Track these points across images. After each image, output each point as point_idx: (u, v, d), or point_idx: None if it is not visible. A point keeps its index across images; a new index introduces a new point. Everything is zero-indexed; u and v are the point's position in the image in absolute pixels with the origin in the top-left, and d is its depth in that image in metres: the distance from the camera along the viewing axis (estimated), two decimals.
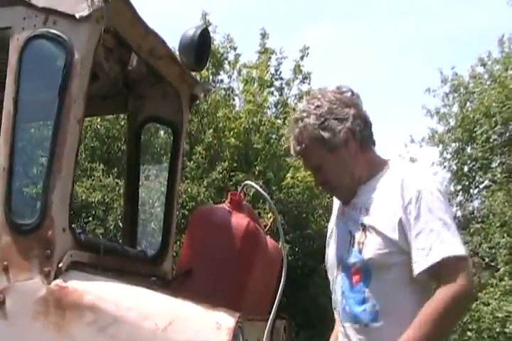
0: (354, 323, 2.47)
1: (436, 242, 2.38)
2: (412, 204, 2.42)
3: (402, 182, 2.47)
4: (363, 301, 2.44)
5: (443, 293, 2.35)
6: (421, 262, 2.38)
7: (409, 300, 2.44)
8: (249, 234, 2.70)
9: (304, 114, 2.59)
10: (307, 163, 2.69)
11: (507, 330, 12.73)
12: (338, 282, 2.56)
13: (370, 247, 2.47)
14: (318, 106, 2.57)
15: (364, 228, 2.50)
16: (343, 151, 2.55)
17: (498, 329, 13.19)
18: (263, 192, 2.59)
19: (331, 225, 2.73)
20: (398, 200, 2.44)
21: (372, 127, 2.67)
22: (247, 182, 2.68)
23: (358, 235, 2.52)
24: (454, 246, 2.38)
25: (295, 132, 2.60)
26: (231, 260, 2.70)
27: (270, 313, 2.53)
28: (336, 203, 2.72)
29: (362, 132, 2.58)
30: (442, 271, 2.37)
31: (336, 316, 2.59)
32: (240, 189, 2.99)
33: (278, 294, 2.50)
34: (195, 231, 2.91)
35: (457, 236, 2.41)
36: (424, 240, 2.39)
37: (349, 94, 2.62)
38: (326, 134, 2.53)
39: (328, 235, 2.74)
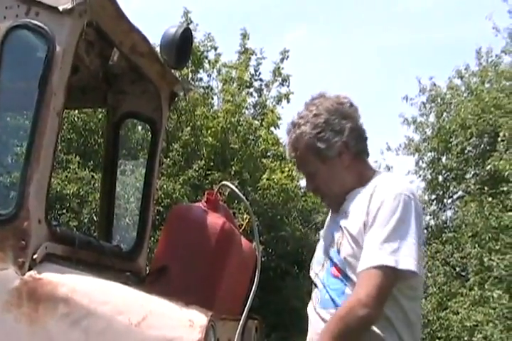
0: (333, 308, 2.47)
1: (374, 250, 2.38)
2: (373, 209, 2.44)
3: (375, 187, 2.51)
4: (343, 294, 2.46)
5: (346, 301, 2.39)
6: (359, 267, 2.41)
7: None
8: (224, 234, 2.71)
9: (301, 121, 2.61)
10: (300, 168, 2.73)
11: (474, 339, 12.89)
12: (320, 277, 2.60)
13: (344, 247, 2.52)
14: (316, 115, 2.58)
15: (341, 229, 2.54)
16: (336, 162, 2.58)
17: (466, 338, 13.36)
18: (240, 194, 2.60)
19: (321, 233, 2.79)
20: (366, 204, 2.48)
21: (367, 140, 2.68)
22: (224, 182, 2.68)
23: (338, 236, 2.56)
24: (385, 256, 2.35)
25: (291, 137, 2.63)
26: (205, 258, 2.71)
27: (242, 313, 2.54)
28: (329, 214, 2.76)
29: (357, 145, 2.61)
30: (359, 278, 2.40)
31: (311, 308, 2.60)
32: (216, 189, 3.00)
33: (251, 294, 2.51)
34: (171, 229, 2.91)
35: (403, 246, 2.36)
36: (368, 246, 2.41)
37: (348, 105, 2.64)
38: (321, 145, 2.56)
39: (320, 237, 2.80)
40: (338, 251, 2.53)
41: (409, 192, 2.48)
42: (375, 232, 2.42)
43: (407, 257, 2.36)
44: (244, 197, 2.63)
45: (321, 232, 2.80)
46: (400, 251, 2.37)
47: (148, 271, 3.34)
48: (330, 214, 2.74)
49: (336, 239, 2.56)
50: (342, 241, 2.52)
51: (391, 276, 2.37)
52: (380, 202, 2.45)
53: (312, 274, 2.70)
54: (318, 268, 2.65)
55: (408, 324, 2.49)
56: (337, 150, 2.56)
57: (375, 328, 2.43)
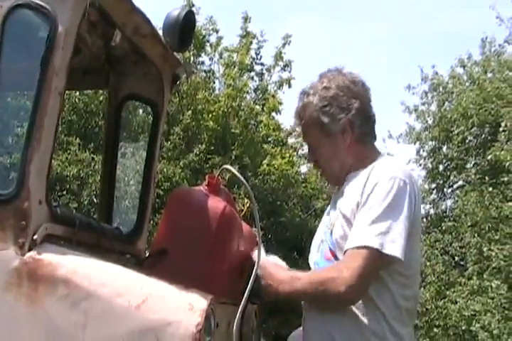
0: None
1: (361, 230, 2.38)
2: (367, 190, 2.44)
3: (372, 168, 2.51)
4: None
5: (326, 270, 2.43)
6: (346, 245, 2.42)
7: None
8: (226, 218, 2.70)
9: (311, 91, 2.60)
10: (304, 138, 2.75)
11: (472, 328, 13.01)
12: (314, 260, 2.61)
13: (337, 229, 2.52)
14: (325, 88, 2.57)
15: (337, 210, 2.54)
16: (338, 139, 2.57)
17: (463, 327, 13.49)
18: (241, 178, 2.58)
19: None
20: (361, 185, 2.47)
21: (375, 122, 2.66)
22: (225, 166, 2.67)
23: (333, 217, 2.56)
24: (371, 237, 2.35)
25: (298, 105, 2.64)
26: (206, 242, 2.70)
27: (242, 297, 2.54)
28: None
29: (362, 126, 2.60)
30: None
31: None
32: (217, 172, 2.99)
33: (251, 279, 2.50)
34: (171, 212, 2.90)
35: (391, 231, 2.35)
36: (356, 226, 2.41)
37: (360, 85, 2.62)
38: (325, 119, 2.55)
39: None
40: (331, 233, 2.53)
41: (404, 177, 2.45)
42: (365, 213, 2.40)
43: (393, 242, 2.35)
44: (245, 181, 2.62)
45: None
46: (387, 235, 2.35)
47: (147, 254, 3.34)
48: (332, 196, 2.73)
49: (332, 221, 2.56)
50: (335, 223, 2.52)
51: (376, 259, 2.35)
52: (374, 183, 2.43)
53: (310, 262, 2.70)
54: (314, 252, 2.66)
55: (396, 306, 2.47)
56: (340, 126, 2.55)
57: (356, 309, 2.43)
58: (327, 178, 2.73)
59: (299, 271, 2.55)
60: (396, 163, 2.63)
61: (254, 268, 2.52)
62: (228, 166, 2.64)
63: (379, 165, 2.52)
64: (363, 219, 2.40)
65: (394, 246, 2.34)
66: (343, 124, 2.55)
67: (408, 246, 2.39)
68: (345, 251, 2.42)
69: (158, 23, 3.43)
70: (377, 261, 2.37)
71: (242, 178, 2.58)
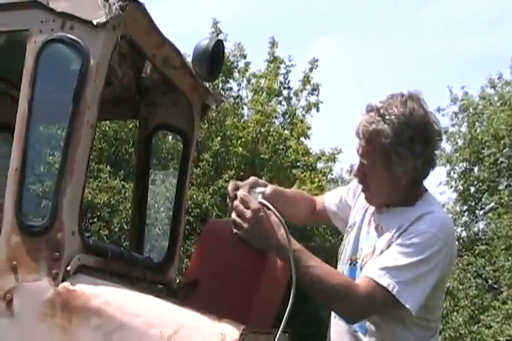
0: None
1: (386, 270, 2.38)
2: (406, 235, 2.43)
3: (418, 218, 2.47)
4: None
5: (356, 284, 2.40)
6: (368, 270, 2.44)
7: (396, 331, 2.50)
8: (258, 253, 2.69)
9: (386, 117, 2.45)
10: (360, 156, 2.57)
11: None
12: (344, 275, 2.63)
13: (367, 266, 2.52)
14: (405, 123, 2.44)
15: (374, 250, 2.54)
16: (396, 176, 2.51)
17: None
18: (277, 213, 2.55)
19: (353, 217, 2.75)
20: (403, 228, 2.47)
21: (435, 168, 2.61)
22: (260, 199, 2.62)
23: (366, 251, 2.56)
24: (392, 281, 2.36)
25: (366, 123, 2.48)
26: (239, 275, 2.68)
27: (274, 327, 2.53)
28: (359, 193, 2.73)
29: (423, 172, 2.55)
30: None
31: None
32: None
33: (287, 311, 2.48)
34: (205, 244, 2.89)
35: (414, 282, 2.37)
36: (385, 261, 2.41)
37: (435, 131, 2.52)
38: (394, 158, 2.47)
39: (350, 222, 2.77)
40: (361, 269, 2.54)
41: (447, 237, 2.46)
42: (397, 254, 2.41)
43: (410, 295, 2.37)
44: (281, 217, 2.57)
45: (355, 216, 2.77)
46: (407, 286, 2.37)
47: (179, 284, 3.35)
48: (366, 207, 2.69)
49: (364, 254, 2.57)
50: (368, 261, 2.53)
51: (388, 302, 2.39)
52: (415, 233, 2.42)
53: (338, 266, 2.72)
54: (344, 265, 2.68)
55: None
56: (404, 169, 2.49)
57: None
58: (368, 199, 2.65)
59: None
60: (443, 219, 2.57)
61: (291, 298, 2.49)
62: (263, 200, 2.59)
63: (426, 217, 2.46)
64: (393, 259, 2.40)
65: (411, 299, 2.37)
66: (407, 168, 2.49)
67: (434, 292, 2.44)
68: (366, 274, 2.43)
69: (187, 49, 3.47)
70: (388, 304, 2.40)
71: (278, 214, 2.55)
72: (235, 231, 2.55)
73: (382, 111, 2.46)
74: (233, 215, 2.54)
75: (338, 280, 2.42)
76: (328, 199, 2.99)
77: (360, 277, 2.46)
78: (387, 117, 2.44)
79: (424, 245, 2.39)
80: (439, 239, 2.41)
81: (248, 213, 2.47)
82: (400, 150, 2.44)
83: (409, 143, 2.44)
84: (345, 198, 2.91)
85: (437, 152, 2.61)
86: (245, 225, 2.48)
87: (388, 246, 2.46)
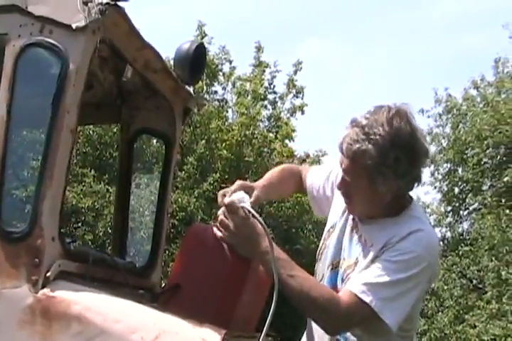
0: None
1: (369, 286, 2.38)
2: (391, 252, 2.42)
3: (406, 236, 2.44)
4: None
5: (338, 298, 2.39)
6: (352, 284, 2.44)
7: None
8: (241, 258, 2.68)
9: (371, 136, 2.34)
10: (343, 171, 2.49)
11: None
12: (325, 279, 2.65)
13: (350, 280, 2.52)
14: (390, 142, 2.34)
15: (356, 262, 2.54)
16: (379, 193, 2.45)
17: None
18: (258, 217, 2.53)
19: (335, 217, 2.71)
20: (387, 247, 2.45)
21: (420, 183, 2.55)
22: (242, 205, 2.60)
23: (349, 263, 2.56)
24: (374, 298, 2.36)
25: (351, 143, 2.38)
26: (220, 282, 2.67)
27: (258, 331, 2.52)
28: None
29: (406, 188, 2.52)
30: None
31: None
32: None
33: (269, 315, 2.47)
34: (187, 249, 2.87)
35: (395, 300, 2.37)
36: (369, 276, 2.40)
37: (422, 146, 2.43)
38: (378, 179, 2.39)
39: (332, 223, 2.72)
40: (342, 280, 2.55)
41: (430, 257, 2.46)
42: (381, 271, 2.40)
43: (392, 312, 2.37)
44: (262, 221, 2.56)
45: (334, 217, 2.73)
46: (388, 303, 2.37)
47: (162, 289, 3.33)
48: (348, 215, 2.66)
49: (346, 264, 2.57)
50: (351, 275, 2.53)
51: (369, 317, 2.39)
52: (401, 252, 2.42)
53: (318, 269, 2.72)
54: (325, 269, 2.67)
55: None
56: (388, 188, 2.43)
57: None
58: (351, 211, 2.60)
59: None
60: (430, 238, 2.52)
61: (273, 302, 2.48)
62: (245, 205, 2.56)
63: (414, 235, 2.43)
64: (376, 275, 2.39)
65: (391, 316, 2.37)
66: (391, 187, 2.42)
67: (413, 302, 2.44)
68: (349, 288, 2.43)
69: (170, 54, 3.46)
70: (369, 319, 2.40)
71: (259, 217, 2.53)
72: (219, 235, 2.54)
73: (366, 129, 2.35)
74: (219, 221, 2.53)
75: (321, 292, 2.41)
76: (310, 181, 2.92)
77: (342, 291, 2.45)
78: (371, 137, 2.33)
79: (408, 264, 2.38)
80: (423, 260, 2.40)
81: (234, 220, 2.46)
82: (384, 172, 2.37)
83: (395, 164, 2.36)
84: (325, 187, 2.85)
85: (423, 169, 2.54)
86: (231, 232, 2.47)
87: (373, 261, 2.44)
